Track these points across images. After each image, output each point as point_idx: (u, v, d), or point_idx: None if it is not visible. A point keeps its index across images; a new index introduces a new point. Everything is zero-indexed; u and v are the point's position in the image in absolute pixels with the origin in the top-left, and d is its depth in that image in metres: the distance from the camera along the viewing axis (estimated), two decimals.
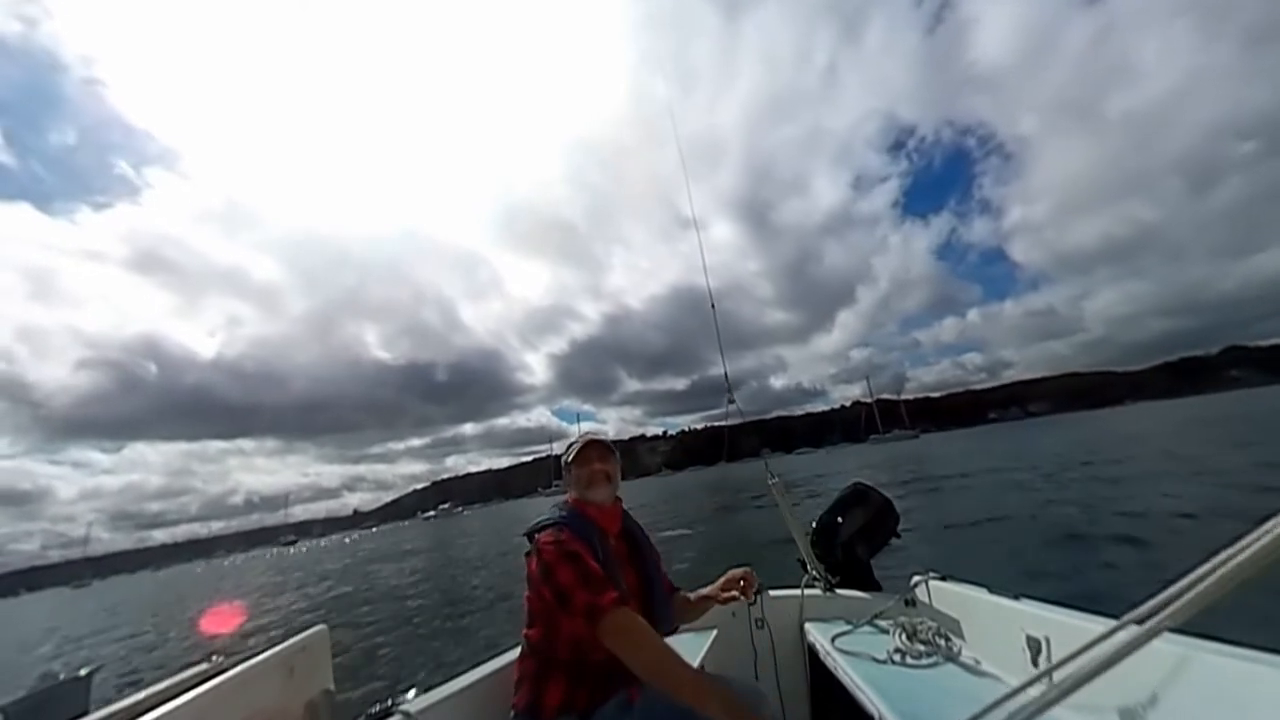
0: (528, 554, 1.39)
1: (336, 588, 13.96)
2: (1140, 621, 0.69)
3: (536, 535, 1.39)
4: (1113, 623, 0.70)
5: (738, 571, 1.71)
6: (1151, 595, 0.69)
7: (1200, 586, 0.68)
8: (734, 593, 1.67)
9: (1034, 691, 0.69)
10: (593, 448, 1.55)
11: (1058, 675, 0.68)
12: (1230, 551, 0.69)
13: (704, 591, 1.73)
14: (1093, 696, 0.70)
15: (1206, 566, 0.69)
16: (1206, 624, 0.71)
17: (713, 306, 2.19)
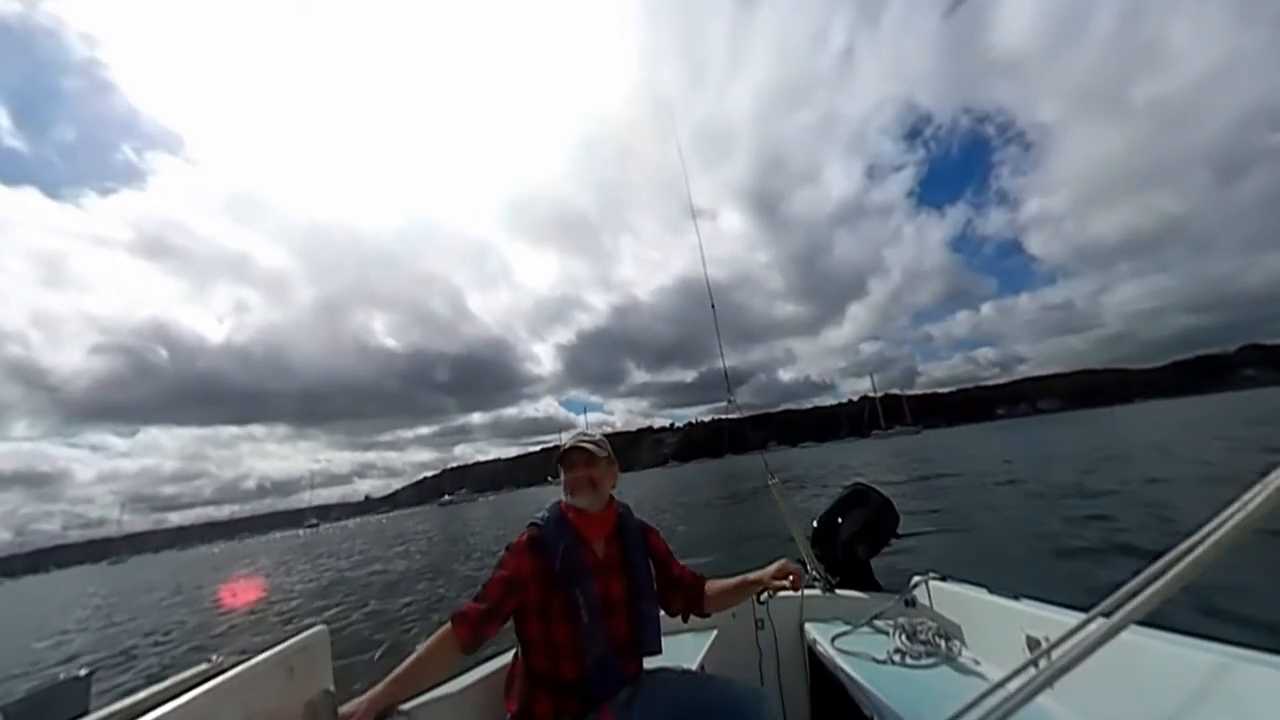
0: None
1: (397, 562, 14.65)
2: (1107, 614, 0.71)
3: None
4: (1080, 614, 0.74)
5: (792, 565, 1.65)
6: (1116, 588, 0.71)
7: (1163, 579, 0.71)
8: (784, 582, 1.60)
9: (1014, 685, 0.72)
10: (576, 452, 1.51)
11: (1035, 669, 0.71)
12: (1190, 543, 0.71)
13: (751, 576, 1.66)
14: (1070, 689, 0.75)
15: (1167, 559, 0.71)
16: (1176, 616, 0.75)
17: (712, 306, 2.17)
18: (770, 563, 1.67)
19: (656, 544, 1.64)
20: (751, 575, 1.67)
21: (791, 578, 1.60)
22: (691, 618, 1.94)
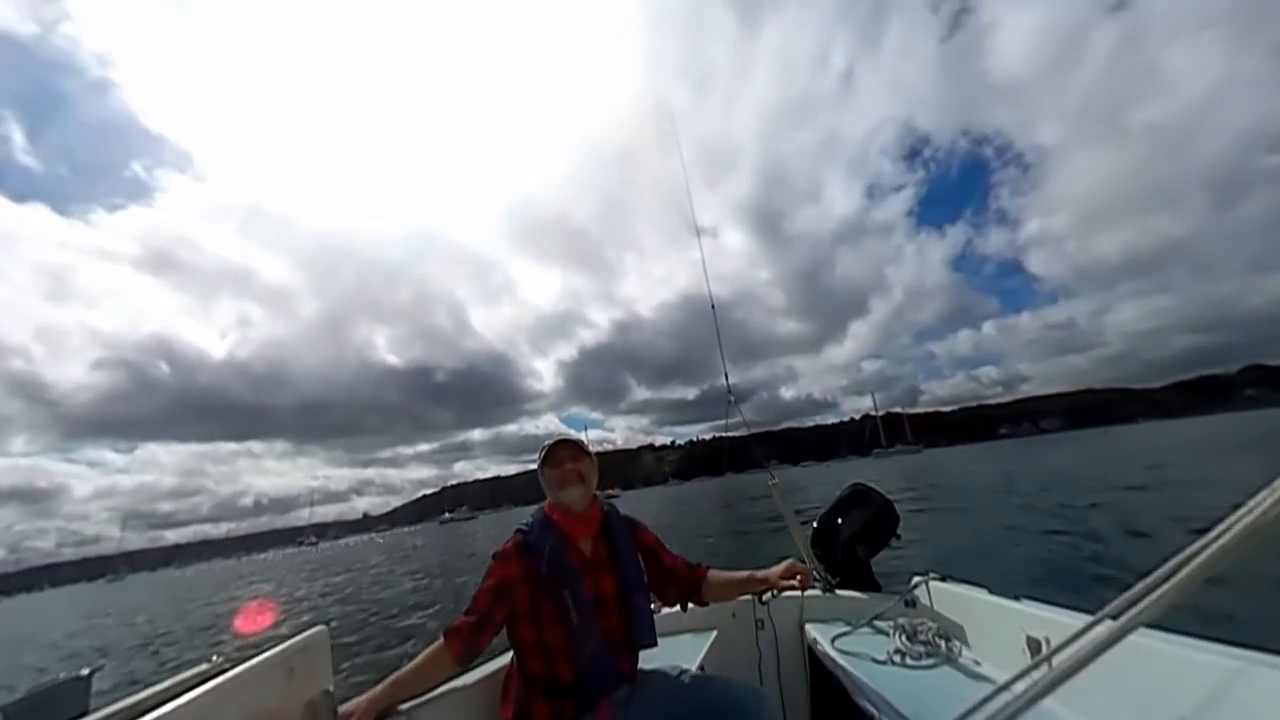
0: None
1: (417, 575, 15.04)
2: (1114, 617, 0.71)
3: None
4: (1089, 618, 0.72)
5: (799, 564, 1.67)
6: (1123, 591, 0.71)
7: (1172, 581, 0.70)
8: (792, 582, 1.63)
9: (1019, 687, 0.71)
10: (563, 447, 1.51)
11: (1040, 672, 0.71)
12: (1199, 545, 0.71)
13: (759, 574, 1.68)
14: (1076, 693, 0.74)
15: (1175, 561, 0.71)
16: (1179, 618, 0.73)
17: (713, 307, 2.21)
18: (777, 562, 1.68)
19: (645, 537, 1.64)
20: (759, 573, 1.68)
21: (799, 577, 1.62)
22: (692, 618, 1.92)
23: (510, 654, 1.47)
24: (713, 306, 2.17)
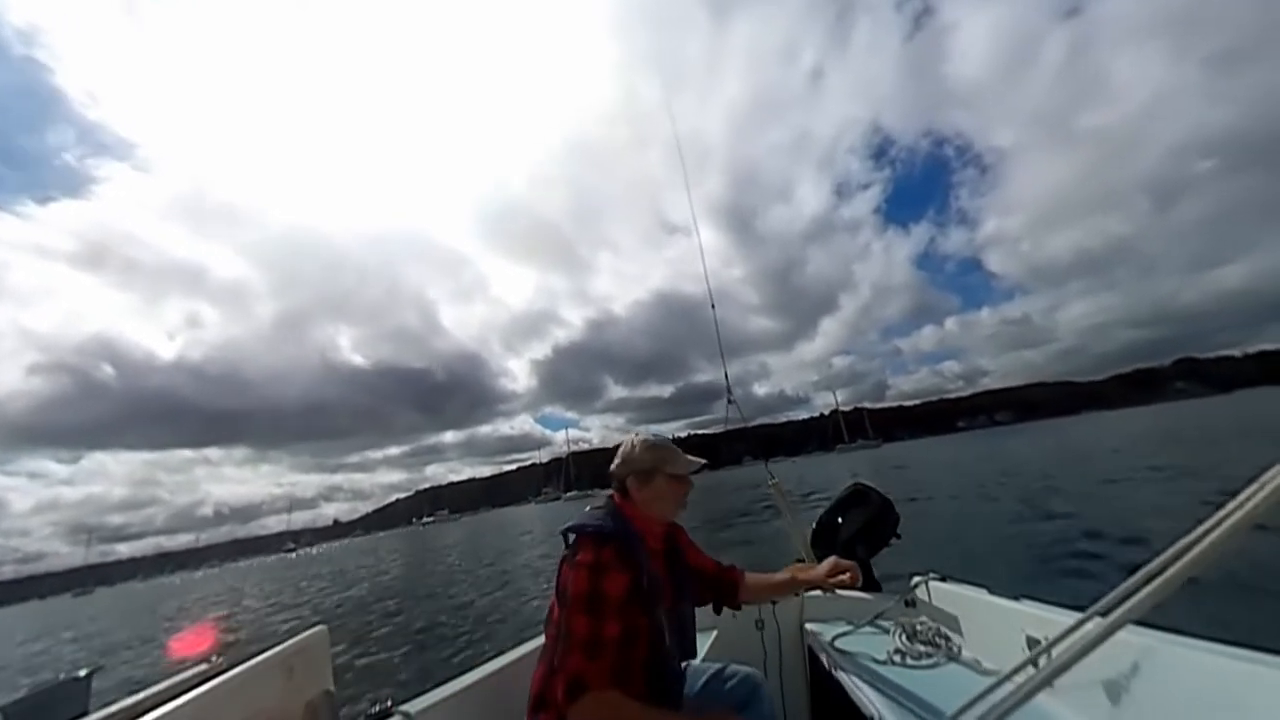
0: (564, 559, 1.20)
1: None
2: (1104, 614, 0.71)
3: (578, 539, 1.20)
4: (1079, 615, 0.73)
5: (846, 563, 1.66)
6: (1113, 588, 0.71)
7: (1159, 578, 0.71)
8: (843, 578, 1.63)
9: (1012, 684, 0.72)
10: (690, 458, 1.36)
11: (1034, 669, 0.71)
12: (1185, 542, 0.71)
13: (802, 575, 1.66)
14: (1069, 688, 0.77)
15: (1163, 559, 0.71)
16: (1173, 615, 0.74)
17: (712, 306, 2.21)
18: (820, 562, 1.69)
19: (681, 537, 1.60)
20: (802, 574, 1.67)
21: (848, 575, 1.62)
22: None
23: (517, 658, 1.47)
24: (713, 306, 2.16)
